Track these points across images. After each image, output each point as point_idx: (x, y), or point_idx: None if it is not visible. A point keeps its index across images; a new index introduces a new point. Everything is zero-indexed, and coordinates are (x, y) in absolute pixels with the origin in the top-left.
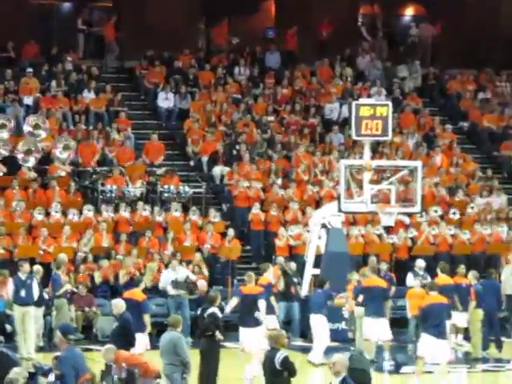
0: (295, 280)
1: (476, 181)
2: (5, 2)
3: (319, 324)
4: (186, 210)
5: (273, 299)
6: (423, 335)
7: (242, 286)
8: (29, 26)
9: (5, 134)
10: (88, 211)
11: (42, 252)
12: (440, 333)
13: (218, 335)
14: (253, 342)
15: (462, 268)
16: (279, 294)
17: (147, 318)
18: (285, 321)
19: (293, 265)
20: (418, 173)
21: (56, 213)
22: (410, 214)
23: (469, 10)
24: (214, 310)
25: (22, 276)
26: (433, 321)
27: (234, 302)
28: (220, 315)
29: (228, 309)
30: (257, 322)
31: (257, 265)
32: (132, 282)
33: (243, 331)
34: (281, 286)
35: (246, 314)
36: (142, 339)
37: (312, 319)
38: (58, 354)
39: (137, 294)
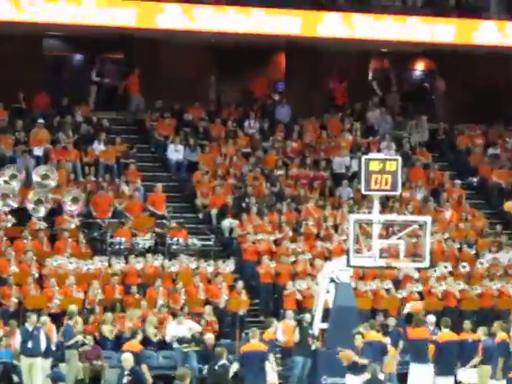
0: (310, 332)
1: (485, 236)
2: (17, 53)
3: None
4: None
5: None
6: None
7: (242, 345)
8: (40, 77)
9: (15, 185)
10: (100, 262)
11: (57, 302)
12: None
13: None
14: None
15: (467, 324)
16: (295, 348)
17: (145, 369)
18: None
19: (307, 316)
20: (427, 228)
21: (67, 263)
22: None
23: (479, 64)
24: (224, 361)
25: (29, 327)
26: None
27: (234, 367)
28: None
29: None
30: (261, 381)
31: (264, 318)
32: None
33: None
34: (296, 337)
35: (251, 373)
36: None
37: None
38: None
39: (134, 345)
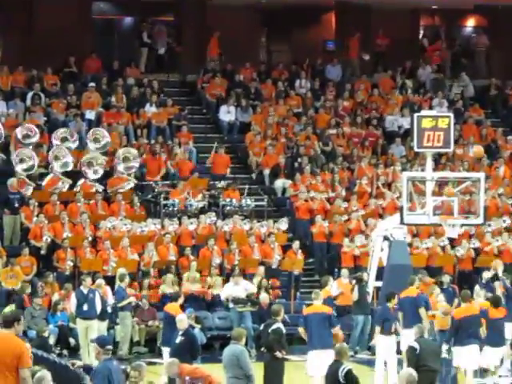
0: (368, 290)
1: None
2: (67, 17)
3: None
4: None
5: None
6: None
7: (305, 307)
8: (90, 41)
9: (70, 146)
10: (153, 224)
11: (113, 264)
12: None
13: (278, 354)
14: (320, 367)
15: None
16: (354, 306)
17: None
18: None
19: (365, 275)
20: (480, 184)
21: (122, 226)
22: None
23: None
24: (278, 325)
25: (84, 290)
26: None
27: (302, 333)
28: (284, 331)
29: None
30: (326, 344)
31: (319, 277)
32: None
33: (311, 354)
34: (355, 296)
35: (314, 336)
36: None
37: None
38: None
39: (173, 308)
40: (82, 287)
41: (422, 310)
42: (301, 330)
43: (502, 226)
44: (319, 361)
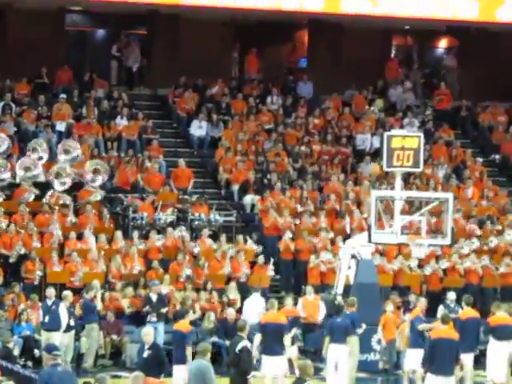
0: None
1: (507, 214)
2: (40, 28)
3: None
4: (215, 237)
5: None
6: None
7: (262, 315)
8: (63, 52)
9: (40, 157)
10: (120, 237)
11: (80, 276)
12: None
13: (251, 379)
14: (272, 368)
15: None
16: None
17: (188, 351)
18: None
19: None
20: (449, 204)
21: (88, 238)
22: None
23: (502, 41)
24: (245, 343)
25: (49, 302)
26: (440, 357)
27: (257, 339)
28: (251, 349)
29: (254, 350)
30: (279, 351)
31: (286, 293)
32: (179, 314)
33: (265, 358)
34: (322, 314)
35: (269, 343)
36: (183, 371)
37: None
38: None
39: (183, 325)
40: (47, 299)
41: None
42: (257, 337)
43: (470, 248)
44: (273, 364)
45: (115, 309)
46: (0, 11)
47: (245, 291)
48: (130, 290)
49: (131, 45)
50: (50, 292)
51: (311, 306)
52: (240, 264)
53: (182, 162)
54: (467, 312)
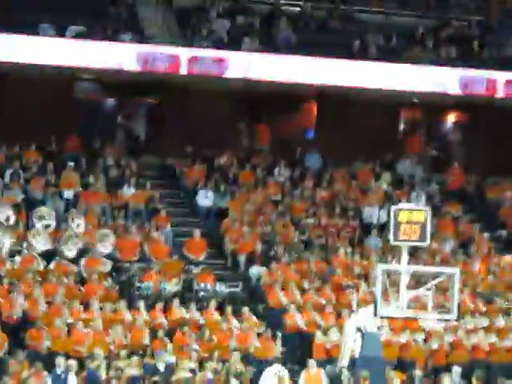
0: None
1: None
2: (50, 96)
3: None
4: (221, 308)
5: None
6: None
7: None
8: (72, 120)
9: (47, 225)
10: (124, 307)
11: (85, 345)
12: None
13: None
14: None
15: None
16: None
17: None
18: None
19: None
20: (455, 279)
21: (94, 307)
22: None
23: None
24: None
25: (58, 371)
26: None
27: None
28: None
29: None
30: None
31: (291, 367)
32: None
33: None
34: None
35: None
36: None
37: None
38: None
39: None
40: (56, 368)
41: None
42: None
43: (479, 326)
44: None
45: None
46: (11, 78)
47: (251, 363)
48: (135, 359)
49: (137, 113)
50: (60, 361)
51: (313, 381)
52: (247, 336)
53: (197, 232)
54: None
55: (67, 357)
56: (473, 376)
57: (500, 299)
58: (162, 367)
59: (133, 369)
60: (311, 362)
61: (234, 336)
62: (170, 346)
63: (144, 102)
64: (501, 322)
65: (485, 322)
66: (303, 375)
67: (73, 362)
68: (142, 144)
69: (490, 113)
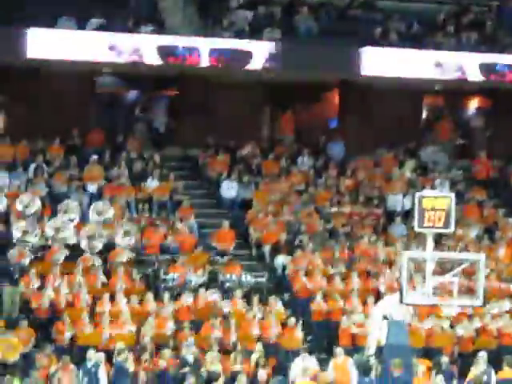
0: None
1: None
2: (72, 90)
3: None
4: (247, 298)
5: None
6: None
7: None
8: (94, 114)
9: (73, 220)
10: (151, 299)
11: (111, 338)
12: None
13: None
14: None
15: None
16: None
17: None
18: None
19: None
20: (480, 265)
21: (120, 300)
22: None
23: None
24: None
25: (89, 364)
26: None
27: None
28: None
29: None
30: None
31: (319, 355)
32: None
33: None
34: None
35: None
36: None
37: None
38: None
39: None
40: (87, 361)
41: None
42: None
43: (503, 310)
44: None
45: (151, 370)
46: (32, 73)
47: (274, 353)
48: (165, 352)
49: (156, 106)
50: (90, 354)
51: (341, 369)
52: (271, 325)
53: (226, 223)
54: (506, 373)
55: (95, 350)
56: (503, 362)
57: None
58: (190, 359)
59: (163, 361)
60: (339, 350)
61: (259, 325)
62: (190, 339)
63: (164, 94)
64: None
65: (508, 306)
66: (331, 364)
67: (102, 355)
68: (163, 136)
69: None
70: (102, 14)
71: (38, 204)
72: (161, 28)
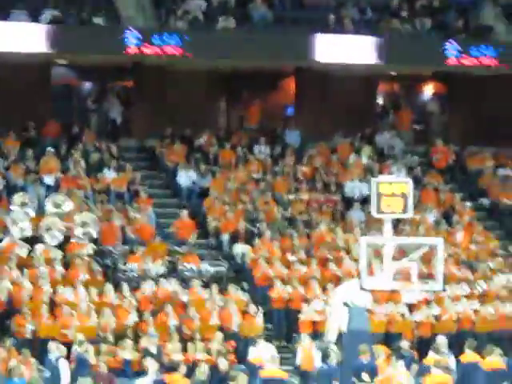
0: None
1: (497, 258)
2: (27, 82)
3: None
4: (207, 287)
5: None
6: None
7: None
8: (49, 106)
9: (29, 213)
10: (111, 290)
11: (71, 330)
12: None
13: None
14: None
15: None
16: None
17: None
18: None
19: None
20: (438, 250)
21: (79, 292)
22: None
23: (488, 87)
24: None
25: (51, 356)
26: None
27: None
28: None
29: None
30: None
31: (279, 343)
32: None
33: None
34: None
35: None
36: None
37: None
38: None
39: (176, 379)
40: (49, 354)
41: None
42: None
43: (461, 293)
44: None
45: (110, 362)
46: None
47: (235, 341)
48: (128, 343)
49: (109, 97)
50: (52, 346)
51: (308, 355)
52: (231, 314)
53: (184, 213)
54: (468, 356)
55: (57, 343)
56: (464, 345)
57: (484, 267)
58: (152, 350)
59: (125, 352)
60: (303, 335)
61: (219, 314)
62: (152, 329)
63: (118, 85)
64: (483, 287)
65: (466, 290)
66: (299, 349)
67: (63, 348)
68: (119, 127)
69: (466, 82)
70: (55, 5)
71: None
72: (115, 18)
